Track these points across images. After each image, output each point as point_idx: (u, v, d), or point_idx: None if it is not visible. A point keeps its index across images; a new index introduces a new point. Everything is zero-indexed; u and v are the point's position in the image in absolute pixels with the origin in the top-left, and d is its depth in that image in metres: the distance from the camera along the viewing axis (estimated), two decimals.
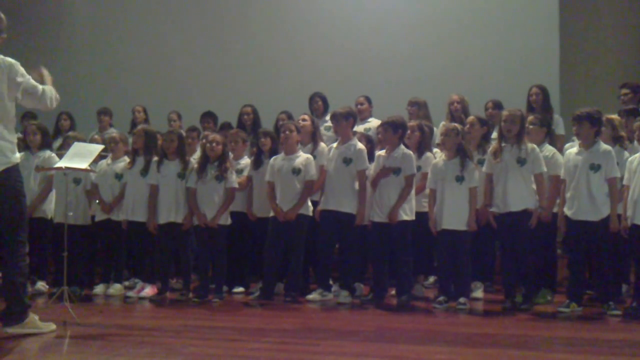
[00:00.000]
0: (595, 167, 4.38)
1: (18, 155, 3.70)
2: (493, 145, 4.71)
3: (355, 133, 5.26)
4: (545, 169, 4.56)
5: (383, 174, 4.76)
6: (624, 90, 5.71)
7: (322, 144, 5.30)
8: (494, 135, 5.35)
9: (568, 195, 4.47)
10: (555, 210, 4.71)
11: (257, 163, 5.26)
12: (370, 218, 4.85)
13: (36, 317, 3.67)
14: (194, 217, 5.03)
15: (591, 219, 4.36)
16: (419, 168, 4.95)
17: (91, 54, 8.45)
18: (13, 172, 3.62)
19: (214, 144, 4.99)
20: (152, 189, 5.13)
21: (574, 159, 4.47)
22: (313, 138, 5.30)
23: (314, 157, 5.11)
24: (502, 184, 4.54)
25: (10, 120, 3.63)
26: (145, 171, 5.19)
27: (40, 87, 3.70)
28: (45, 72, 3.86)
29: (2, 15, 3.68)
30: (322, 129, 5.84)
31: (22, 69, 3.64)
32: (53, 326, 3.72)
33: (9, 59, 3.60)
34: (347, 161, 4.93)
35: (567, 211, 4.46)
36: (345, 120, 5.02)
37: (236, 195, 5.09)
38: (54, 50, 8.25)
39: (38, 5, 8.58)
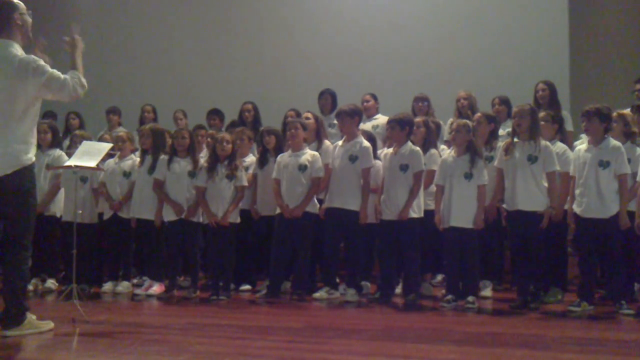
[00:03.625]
0: (604, 164, 4.32)
1: (31, 155, 3.54)
2: (506, 140, 4.66)
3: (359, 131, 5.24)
4: (558, 168, 4.48)
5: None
6: (639, 86, 5.62)
7: (327, 142, 5.28)
8: (501, 132, 5.33)
9: (577, 192, 4.43)
10: (565, 207, 4.66)
11: (263, 161, 5.26)
12: (378, 215, 4.83)
13: (34, 317, 3.63)
14: (203, 215, 5.02)
15: (600, 217, 4.31)
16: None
17: (99, 54, 8.45)
18: (25, 173, 3.50)
19: (224, 144, 4.98)
20: (156, 183, 5.14)
21: (583, 156, 4.42)
22: (317, 136, 5.28)
23: (319, 154, 5.09)
24: (512, 181, 4.49)
25: (26, 123, 3.47)
26: (152, 169, 5.20)
27: (60, 79, 3.50)
28: (78, 44, 3.68)
29: (11, 1, 3.51)
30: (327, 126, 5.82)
31: (42, 65, 3.47)
32: (51, 324, 3.70)
33: (29, 58, 3.48)
34: (352, 159, 4.91)
35: (577, 208, 4.42)
36: (351, 117, 5.00)
37: None
38: (60, 49, 8.27)
39: (43, 4, 8.61)
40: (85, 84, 3.63)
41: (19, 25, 3.53)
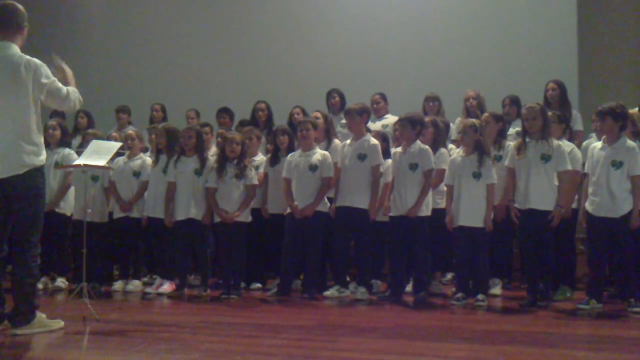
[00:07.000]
0: (617, 164, 4.31)
1: (43, 157, 3.62)
2: (517, 140, 4.67)
3: (369, 130, 5.25)
4: (570, 167, 4.49)
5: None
6: None
7: (336, 141, 5.29)
8: (511, 131, 5.33)
9: (590, 190, 4.42)
10: (574, 206, 4.65)
11: (274, 160, 5.27)
12: (387, 212, 4.84)
13: (44, 316, 3.65)
14: (214, 215, 5.04)
15: (611, 216, 4.30)
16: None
17: (108, 53, 8.52)
18: (34, 174, 3.56)
19: (233, 145, 5.00)
20: (169, 186, 5.18)
21: (597, 154, 4.41)
22: (327, 135, 5.30)
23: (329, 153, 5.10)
24: (525, 180, 4.49)
25: (32, 122, 3.55)
26: (167, 168, 5.23)
27: (64, 89, 3.66)
28: (66, 68, 3.80)
29: (21, 7, 3.66)
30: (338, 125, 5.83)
31: (48, 71, 3.61)
32: (61, 323, 3.71)
33: (35, 60, 3.57)
34: (361, 157, 4.92)
35: (588, 207, 4.41)
36: (360, 116, 5.02)
37: None
38: (70, 49, 8.29)
39: (53, 4, 8.65)
40: (82, 100, 3.80)
41: (23, 35, 3.68)
